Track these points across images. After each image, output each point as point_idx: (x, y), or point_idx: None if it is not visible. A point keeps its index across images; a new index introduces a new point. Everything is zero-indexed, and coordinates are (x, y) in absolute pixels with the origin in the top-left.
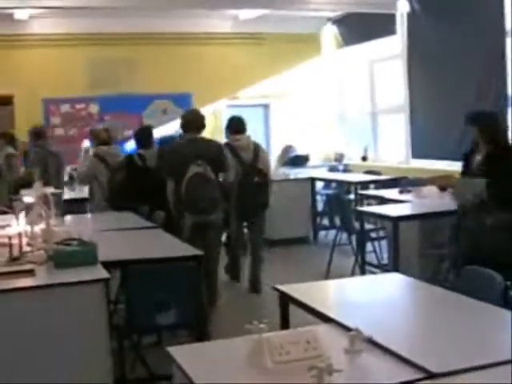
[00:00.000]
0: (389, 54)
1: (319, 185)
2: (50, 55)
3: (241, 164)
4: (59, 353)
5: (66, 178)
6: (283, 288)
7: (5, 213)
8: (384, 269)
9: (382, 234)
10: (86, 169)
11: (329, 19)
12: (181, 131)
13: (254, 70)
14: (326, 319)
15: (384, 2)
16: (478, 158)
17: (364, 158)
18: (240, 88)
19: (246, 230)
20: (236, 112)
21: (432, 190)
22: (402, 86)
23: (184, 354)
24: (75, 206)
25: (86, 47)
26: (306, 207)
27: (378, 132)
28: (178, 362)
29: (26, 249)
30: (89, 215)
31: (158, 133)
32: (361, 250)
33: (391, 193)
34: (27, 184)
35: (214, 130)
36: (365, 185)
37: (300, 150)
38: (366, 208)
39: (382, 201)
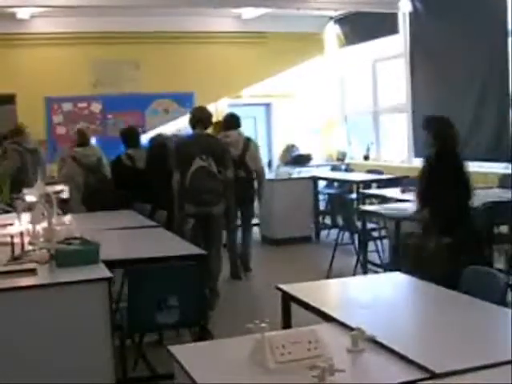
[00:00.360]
0: (391, 53)
1: (321, 184)
2: (53, 54)
3: None
4: (61, 352)
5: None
6: (285, 287)
7: (7, 212)
8: (386, 268)
9: (384, 233)
10: (64, 170)
11: (331, 18)
12: (183, 129)
13: (257, 69)
14: (328, 318)
15: (386, 2)
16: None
17: (366, 157)
18: (242, 87)
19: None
20: (238, 111)
21: None
22: (405, 86)
23: (186, 354)
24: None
25: (88, 46)
26: (308, 206)
27: (380, 131)
28: (179, 362)
29: (28, 248)
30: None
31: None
32: (363, 249)
33: (393, 192)
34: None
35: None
36: (367, 184)
37: (302, 149)
38: (368, 207)
39: (384, 200)
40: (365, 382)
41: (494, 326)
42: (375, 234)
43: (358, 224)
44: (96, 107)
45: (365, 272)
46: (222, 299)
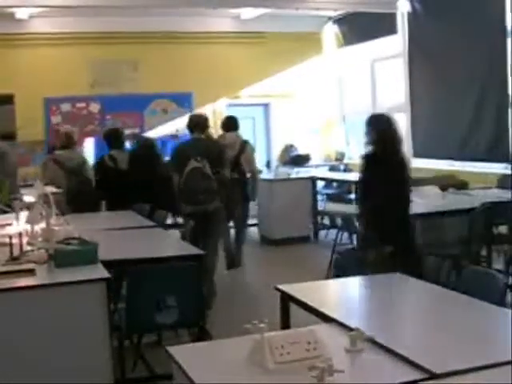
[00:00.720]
0: (390, 53)
1: (320, 184)
2: (51, 54)
3: None
4: (60, 352)
5: None
6: (284, 287)
7: (5, 212)
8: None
9: None
10: (47, 173)
11: (330, 18)
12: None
13: (255, 69)
14: (327, 319)
15: (385, 2)
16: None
17: None
18: (241, 87)
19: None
20: (237, 111)
21: (433, 189)
22: (403, 86)
23: (184, 354)
24: None
25: (86, 46)
26: (306, 206)
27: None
28: (178, 362)
29: (27, 248)
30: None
31: (160, 132)
32: None
33: None
34: None
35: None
36: None
37: (301, 150)
38: None
39: None
40: (364, 382)
41: (494, 326)
42: None
43: (357, 224)
44: (95, 107)
45: None
46: (221, 300)
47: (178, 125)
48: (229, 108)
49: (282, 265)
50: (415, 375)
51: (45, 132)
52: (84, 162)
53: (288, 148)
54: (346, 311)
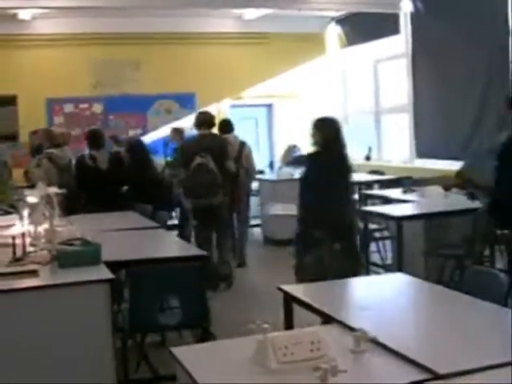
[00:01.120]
0: (393, 53)
1: None
2: (54, 55)
3: None
4: (63, 353)
5: None
6: (287, 288)
7: (8, 213)
8: (388, 269)
9: (386, 233)
10: (40, 171)
11: (333, 19)
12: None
13: (258, 70)
14: (330, 319)
15: (388, 2)
16: None
17: (368, 158)
18: (244, 88)
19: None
20: (240, 112)
21: (436, 189)
22: (406, 86)
23: (188, 355)
24: None
25: (89, 47)
26: None
27: (381, 132)
28: (181, 363)
29: (30, 249)
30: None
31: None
32: (365, 250)
33: (395, 193)
34: None
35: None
36: (368, 185)
37: (304, 150)
38: (369, 208)
39: (386, 201)
40: (367, 382)
41: (497, 326)
42: (377, 234)
43: (360, 225)
44: (97, 108)
45: (367, 273)
46: (224, 300)
47: (182, 125)
48: (232, 109)
49: (285, 265)
50: (419, 376)
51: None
52: (71, 160)
53: (291, 148)
54: (349, 312)
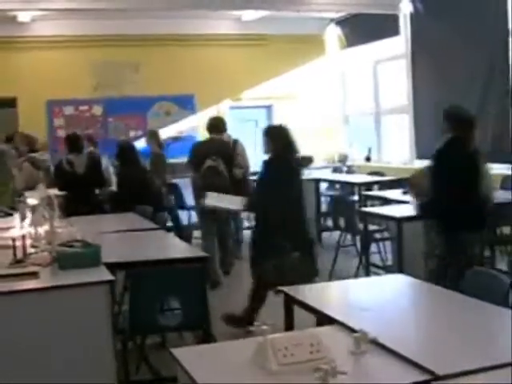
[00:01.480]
0: (392, 54)
1: (323, 186)
2: (54, 57)
3: None
4: (63, 354)
5: None
6: (287, 289)
7: (9, 214)
8: (388, 270)
9: (386, 234)
10: (22, 175)
11: (332, 20)
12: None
13: (257, 72)
14: (331, 321)
15: (387, 3)
16: None
17: (368, 159)
18: (243, 89)
19: None
20: (239, 113)
21: None
22: (406, 87)
23: (188, 356)
24: None
25: (89, 49)
26: (309, 208)
27: (381, 133)
28: (182, 364)
29: (30, 251)
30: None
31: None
32: (365, 251)
33: (395, 194)
34: None
35: None
36: (369, 186)
37: (304, 151)
38: (369, 209)
39: (386, 202)
40: (367, 383)
41: (497, 327)
42: (377, 235)
43: (360, 226)
44: (97, 110)
45: (367, 274)
46: (224, 302)
47: (181, 127)
48: (231, 110)
49: None
50: (419, 377)
51: (47, 135)
52: (49, 164)
53: None
54: (349, 313)
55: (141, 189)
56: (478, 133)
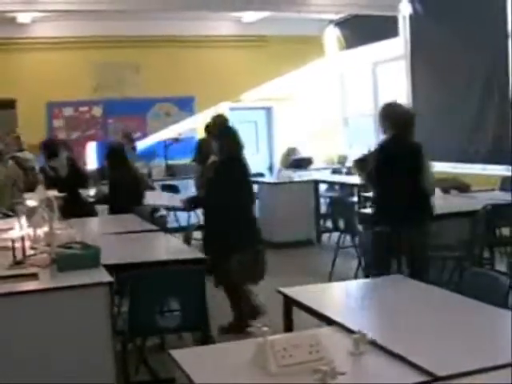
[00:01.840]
0: (391, 55)
1: (322, 187)
2: (54, 59)
3: None
4: (62, 356)
5: None
6: (286, 291)
7: (8, 216)
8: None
9: None
10: (7, 170)
11: (331, 21)
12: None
13: (257, 73)
14: (330, 322)
15: (386, 5)
16: None
17: None
18: (243, 91)
19: None
20: (239, 115)
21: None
22: (405, 88)
23: (187, 358)
24: None
25: (89, 50)
26: (309, 210)
27: (380, 134)
28: (181, 366)
29: (30, 252)
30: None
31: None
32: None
33: None
34: None
35: None
36: (368, 187)
37: (303, 153)
38: (369, 210)
39: None
40: None
41: (496, 328)
42: None
43: (360, 227)
44: (97, 111)
45: (366, 275)
46: (224, 303)
47: (181, 128)
48: (231, 112)
49: (285, 268)
50: (418, 378)
51: (47, 136)
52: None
53: (290, 151)
54: (348, 314)
55: (135, 189)
56: (415, 129)
